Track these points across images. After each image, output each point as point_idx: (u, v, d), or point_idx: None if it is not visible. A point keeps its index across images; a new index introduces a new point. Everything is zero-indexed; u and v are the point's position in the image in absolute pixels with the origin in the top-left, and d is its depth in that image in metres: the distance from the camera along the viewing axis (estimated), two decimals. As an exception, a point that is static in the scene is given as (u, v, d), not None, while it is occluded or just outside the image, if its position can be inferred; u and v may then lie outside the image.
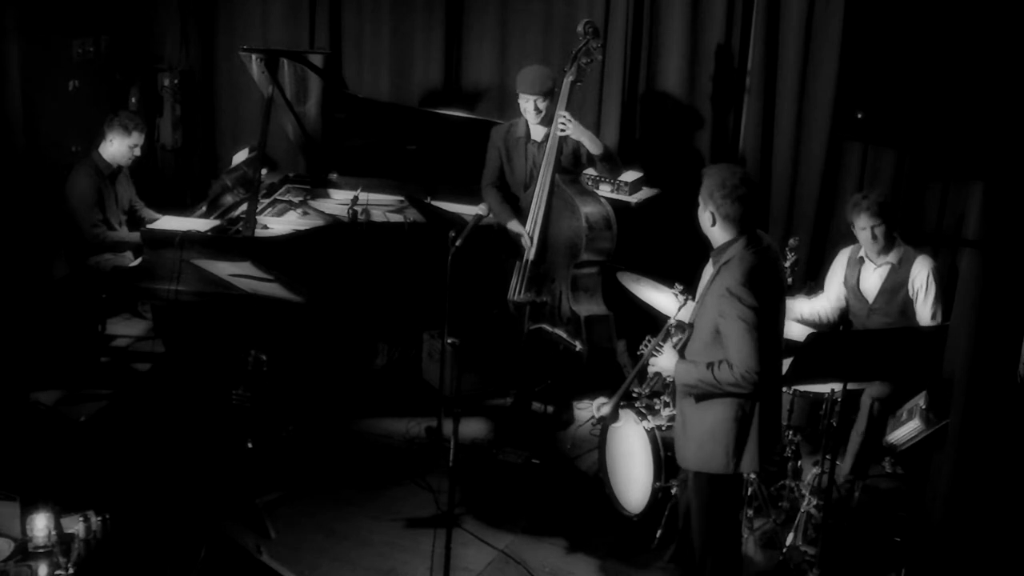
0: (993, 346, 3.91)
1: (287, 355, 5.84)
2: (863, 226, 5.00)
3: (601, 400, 4.72)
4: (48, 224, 6.49)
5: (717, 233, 3.94)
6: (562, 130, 5.47)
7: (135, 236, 5.95)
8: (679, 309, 4.43)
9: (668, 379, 4.21)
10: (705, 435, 3.98)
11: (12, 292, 6.41)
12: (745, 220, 3.89)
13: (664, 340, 4.22)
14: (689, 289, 4.30)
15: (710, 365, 3.86)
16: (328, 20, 7.24)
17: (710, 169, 4.00)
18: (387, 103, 6.90)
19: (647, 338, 4.36)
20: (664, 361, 4.06)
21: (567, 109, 5.49)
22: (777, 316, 4.00)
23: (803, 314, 5.28)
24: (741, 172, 3.98)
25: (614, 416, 4.77)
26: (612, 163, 5.70)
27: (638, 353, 4.43)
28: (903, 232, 5.82)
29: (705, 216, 3.94)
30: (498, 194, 5.78)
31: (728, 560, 4.20)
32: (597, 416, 4.75)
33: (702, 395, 3.95)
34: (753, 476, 4.89)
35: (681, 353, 4.06)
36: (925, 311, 5.01)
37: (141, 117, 6.35)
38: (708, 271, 4.05)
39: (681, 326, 4.22)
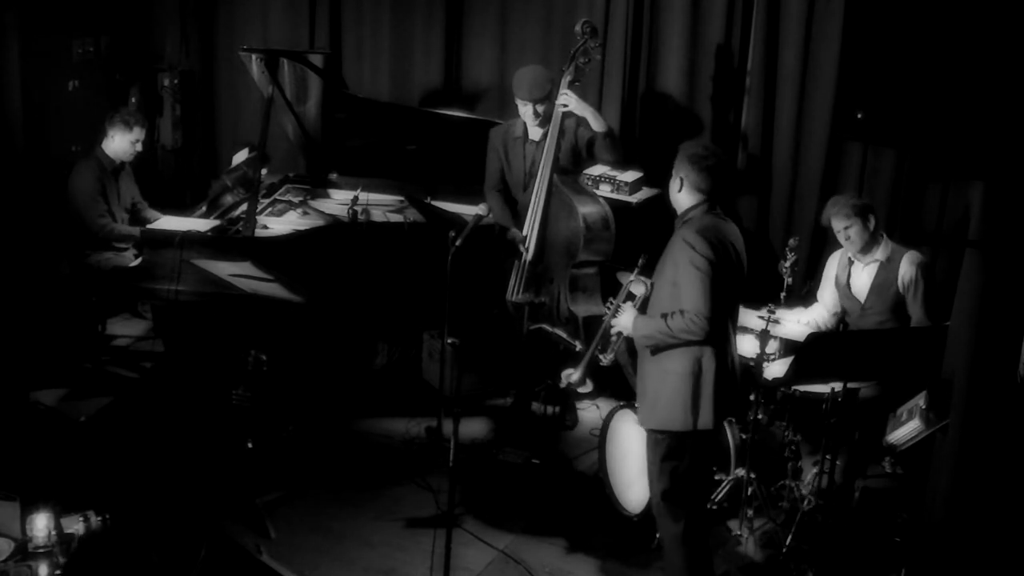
0: (993, 346, 3.90)
1: (287, 355, 5.84)
2: (836, 229, 5.05)
3: (569, 370, 4.79)
4: (49, 224, 6.50)
5: (683, 198, 4.16)
6: (564, 105, 5.46)
7: (136, 229, 5.98)
8: (638, 268, 4.52)
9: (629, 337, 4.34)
10: (662, 391, 4.13)
11: (11, 292, 6.41)
12: (711, 193, 4.11)
13: (625, 300, 4.40)
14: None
15: (664, 315, 4.04)
16: (328, 20, 7.24)
17: (686, 143, 4.25)
18: (387, 103, 6.90)
19: (609, 300, 4.47)
20: (624, 319, 4.27)
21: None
22: (731, 280, 4.11)
23: (800, 322, 5.28)
24: (715, 148, 4.24)
25: (581, 381, 4.89)
26: (614, 142, 5.63)
27: (603, 317, 4.51)
28: (903, 232, 5.84)
29: (674, 183, 4.17)
30: (501, 198, 5.77)
31: (693, 536, 4.24)
32: (565, 383, 4.83)
33: (657, 348, 4.12)
34: (753, 476, 4.89)
35: (642, 311, 4.24)
36: (916, 309, 5.01)
37: (142, 114, 6.38)
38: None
39: (639, 286, 4.41)
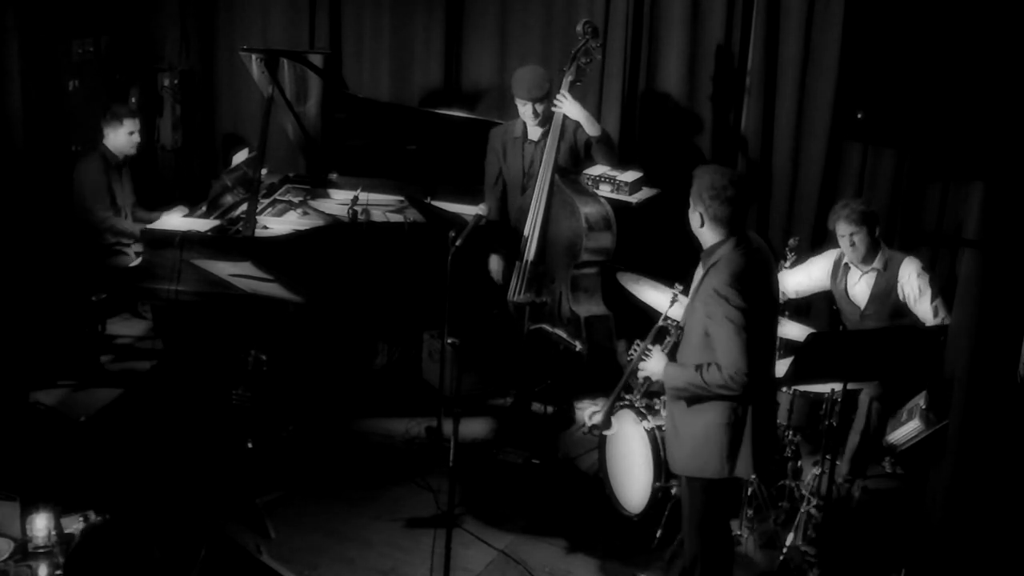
0: (993, 346, 3.91)
1: (287, 355, 5.84)
2: (842, 233, 5.01)
3: (593, 408, 4.74)
4: (49, 224, 6.50)
5: (706, 234, 3.91)
6: (556, 105, 5.46)
7: (137, 228, 5.99)
8: (668, 308, 4.43)
9: (657, 382, 4.17)
10: (698, 440, 3.94)
11: (11, 292, 6.41)
12: (734, 221, 3.85)
13: (653, 343, 4.21)
14: (687, 290, 4.30)
15: (699, 367, 3.81)
16: (328, 20, 7.24)
17: (700, 170, 3.95)
18: (387, 103, 6.90)
19: (636, 342, 4.35)
20: (653, 365, 4.04)
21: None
22: (768, 318, 3.96)
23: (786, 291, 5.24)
24: (731, 173, 3.94)
25: (606, 424, 4.76)
26: (609, 146, 5.65)
27: (627, 358, 4.41)
28: (903, 232, 5.85)
29: (694, 217, 3.91)
30: (499, 203, 5.78)
31: (720, 566, 4.17)
32: (589, 425, 4.76)
33: (692, 398, 3.91)
34: (753, 476, 4.89)
35: (671, 356, 4.04)
36: (926, 310, 5.00)
37: (136, 108, 6.40)
38: (699, 273, 4.00)
39: (668, 329, 4.21)
